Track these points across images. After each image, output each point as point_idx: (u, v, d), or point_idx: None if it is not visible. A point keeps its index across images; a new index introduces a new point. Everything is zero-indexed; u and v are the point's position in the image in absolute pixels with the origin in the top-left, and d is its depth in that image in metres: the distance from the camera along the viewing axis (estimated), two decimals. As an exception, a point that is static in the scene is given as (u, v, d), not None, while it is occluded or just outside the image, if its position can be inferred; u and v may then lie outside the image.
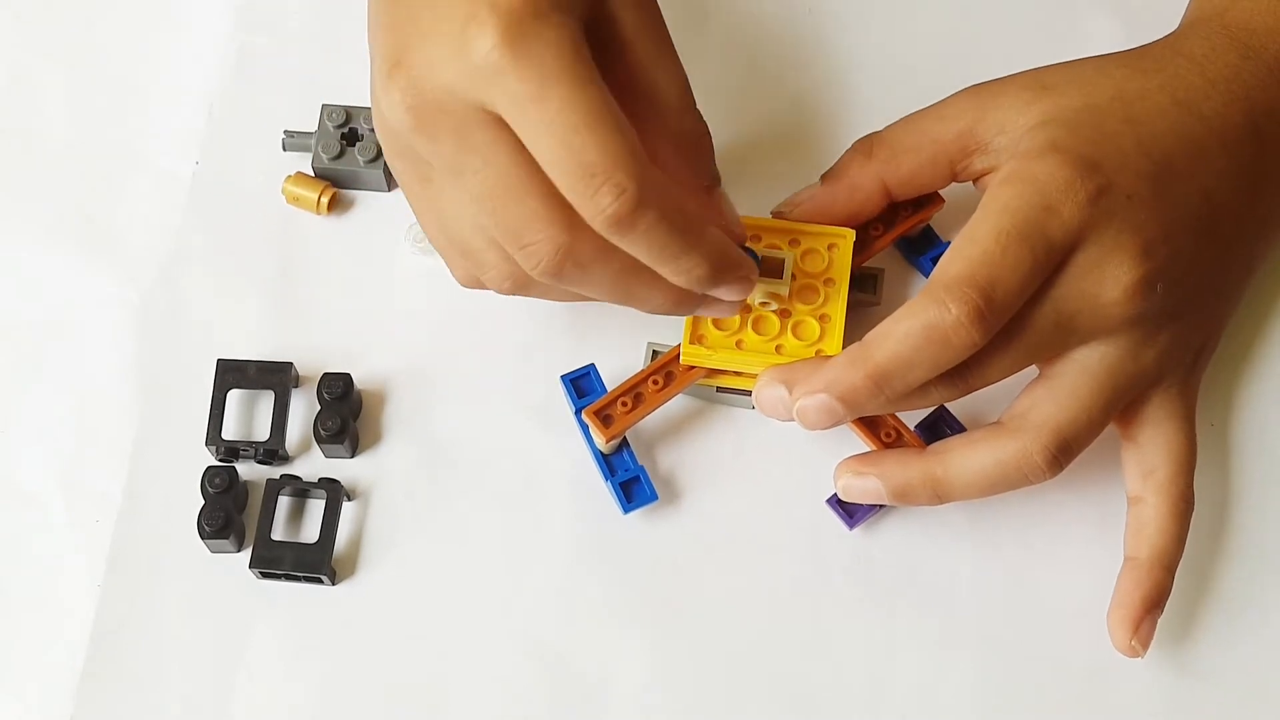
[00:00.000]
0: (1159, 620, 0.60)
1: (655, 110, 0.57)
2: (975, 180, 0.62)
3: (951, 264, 0.56)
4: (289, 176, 0.68)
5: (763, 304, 0.61)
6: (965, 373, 0.57)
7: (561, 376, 0.64)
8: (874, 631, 0.62)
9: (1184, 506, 0.61)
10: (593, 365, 0.64)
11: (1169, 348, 0.60)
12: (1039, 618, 0.62)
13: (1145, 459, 0.61)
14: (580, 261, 0.53)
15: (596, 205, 0.51)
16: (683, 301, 0.57)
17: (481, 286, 0.58)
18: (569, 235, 0.53)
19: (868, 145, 0.62)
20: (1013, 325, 0.57)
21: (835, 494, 0.63)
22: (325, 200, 0.68)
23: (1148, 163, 0.58)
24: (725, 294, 0.57)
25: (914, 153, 0.62)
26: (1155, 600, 0.60)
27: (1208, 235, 0.59)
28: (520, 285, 0.57)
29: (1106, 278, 0.57)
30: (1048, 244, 0.56)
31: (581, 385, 0.64)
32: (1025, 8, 0.71)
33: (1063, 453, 0.58)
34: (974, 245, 0.56)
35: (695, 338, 0.61)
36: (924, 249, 0.66)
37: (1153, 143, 0.59)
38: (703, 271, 0.55)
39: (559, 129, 0.51)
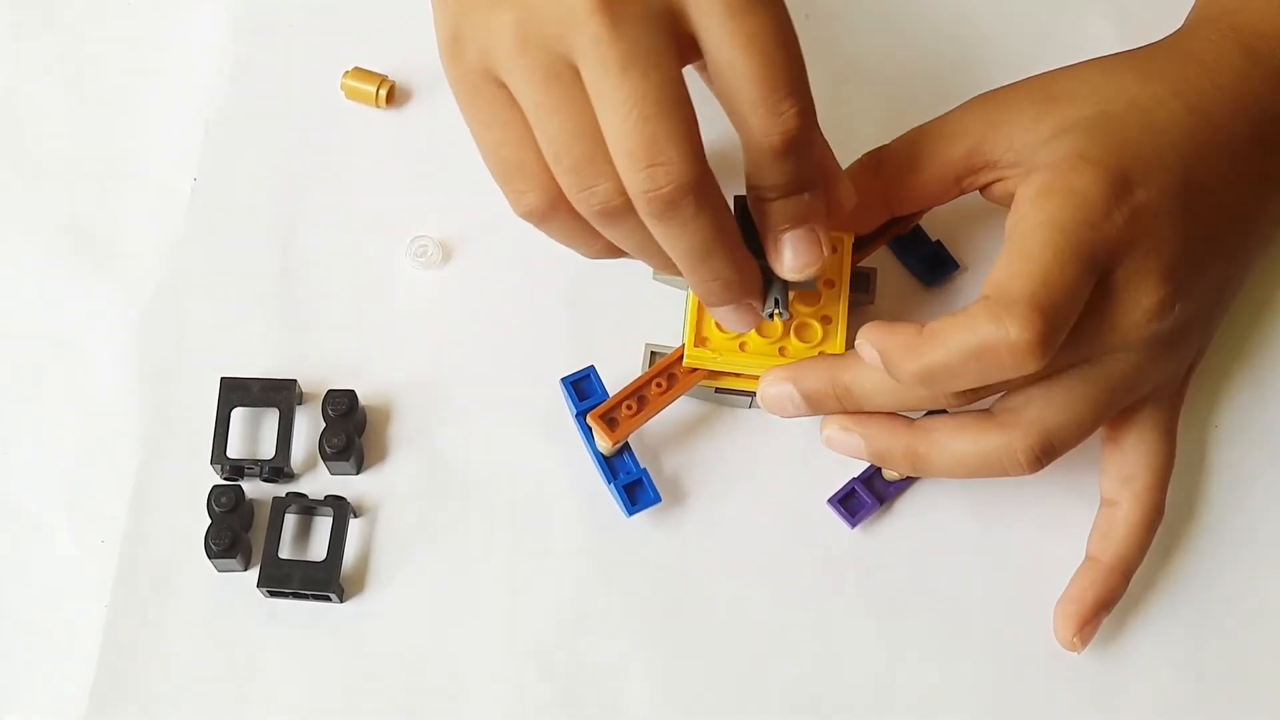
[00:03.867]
0: (1170, 629, 0.61)
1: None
2: (981, 190, 0.61)
3: (1011, 281, 0.55)
4: (347, 72, 0.69)
5: None
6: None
7: (561, 379, 0.64)
8: (879, 630, 0.63)
9: (1155, 517, 0.61)
10: (592, 367, 0.64)
11: (1170, 364, 0.60)
12: (1045, 619, 0.62)
13: (1126, 465, 0.61)
14: (699, 200, 0.53)
15: (779, 119, 0.53)
16: (731, 297, 0.57)
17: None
18: (702, 168, 0.52)
19: (875, 161, 0.62)
20: None
21: (836, 494, 0.63)
22: (384, 93, 0.68)
23: (1170, 176, 0.57)
24: (722, 316, 0.58)
25: (920, 172, 0.61)
26: (1107, 603, 0.61)
27: (1217, 250, 0.59)
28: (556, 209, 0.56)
29: (1128, 299, 0.56)
30: (1094, 264, 0.56)
31: (582, 388, 0.64)
32: (1025, 11, 0.71)
33: (1046, 454, 0.58)
34: (1032, 264, 0.55)
35: (699, 340, 0.61)
36: (913, 249, 0.67)
37: (1173, 153, 0.58)
38: (720, 284, 0.56)
39: (764, 41, 0.52)
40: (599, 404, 0.62)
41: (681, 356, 0.62)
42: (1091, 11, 0.71)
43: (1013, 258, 0.56)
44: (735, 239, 0.55)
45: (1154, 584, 0.63)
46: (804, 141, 0.54)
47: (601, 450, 0.63)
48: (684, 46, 0.53)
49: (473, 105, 0.56)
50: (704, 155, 0.53)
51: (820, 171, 0.57)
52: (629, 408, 0.62)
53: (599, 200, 0.54)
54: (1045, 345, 0.54)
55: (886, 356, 0.56)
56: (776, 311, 0.58)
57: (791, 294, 0.60)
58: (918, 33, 0.71)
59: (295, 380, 0.64)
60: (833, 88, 0.70)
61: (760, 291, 0.58)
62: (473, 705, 0.62)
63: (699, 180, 0.52)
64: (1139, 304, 0.57)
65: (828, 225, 0.57)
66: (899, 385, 0.58)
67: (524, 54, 0.53)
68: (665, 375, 0.62)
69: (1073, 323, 0.55)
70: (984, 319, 0.54)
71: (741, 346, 0.61)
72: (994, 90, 0.61)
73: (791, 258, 0.57)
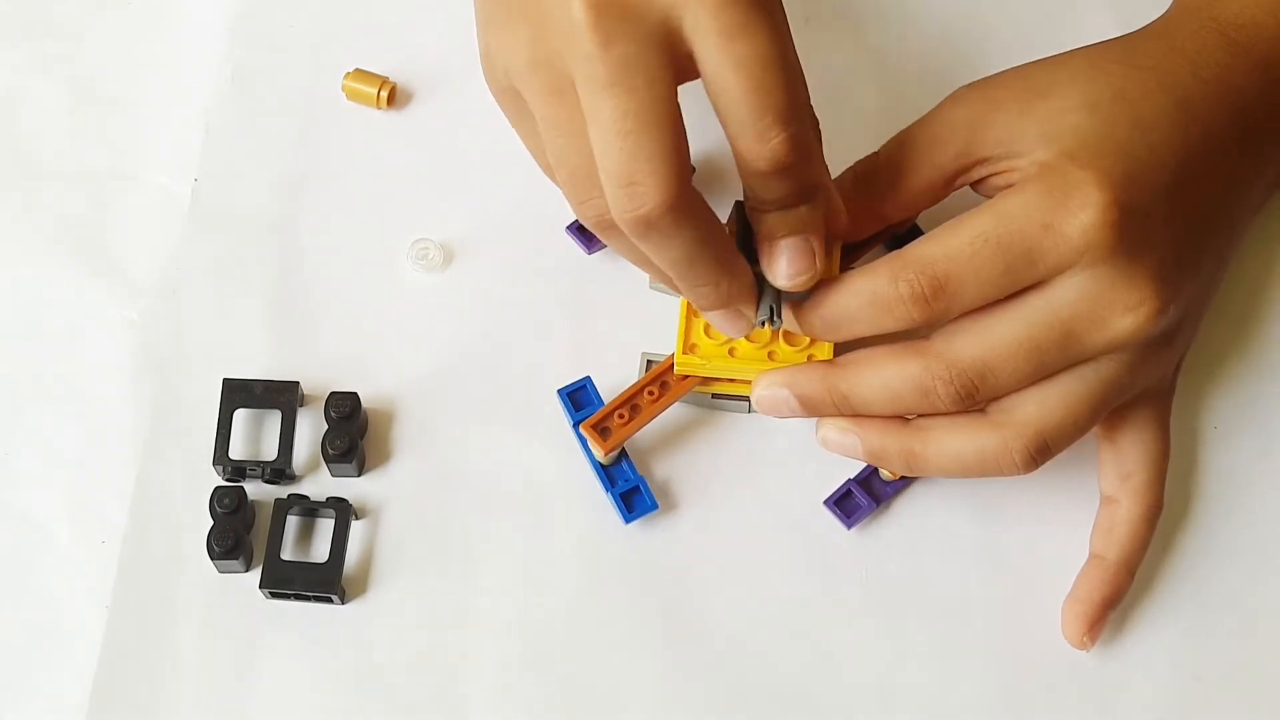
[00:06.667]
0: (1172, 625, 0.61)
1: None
2: (973, 186, 0.61)
3: (923, 242, 0.57)
4: (348, 73, 0.69)
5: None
6: (974, 391, 0.58)
7: (558, 391, 0.64)
8: (878, 631, 0.63)
9: (1156, 512, 0.62)
10: (588, 378, 0.64)
11: (1163, 362, 0.60)
12: (1044, 618, 0.63)
13: (1124, 462, 0.62)
14: (678, 219, 0.53)
15: (767, 145, 0.53)
16: (721, 303, 0.57)
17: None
18: (679, 189, 0.53)
19: (866, 172, 0.62)
20: (1019, 347, 0.57)
21: (832, 495, 0.63)
22: (385, 95, 0.69)
23: (1162, 174, 0.57)
24: (714, 321, 0.58)
25: (911, 180, 0.61)
26: (1114, 601, 0.61)
27: (1205, 246, 0.60)
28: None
29: (1118, 303, 0.56)
30: (1029, 260, 0.56)
31: (578, 399, 0.64)
32: (1024, 15, 0.71)
33: (1041, 453, 0.58)
34: (950, 236, 0.56)
35: (688, 347, 0.61)
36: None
37: (1164, 151, 0.58)
38: (707, 290, 0.56)
39: (755, 67, 0.52)
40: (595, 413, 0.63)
41: (674, 364, 0.62)
42: (1094, 13, 0.71)
43: (944, 225, 0.57)
44: (723, 247, 0.56)
45: (1154, 584, 0.63)
46: (793, 165, 0.54)
47: (597, 458, 0.63)
48: (684, 65, 0.53)
49: (510, 117, 0.58)
50: (686, 174, 0.53)
51: (819, 185, 0.57)
52: (621, 416, 0.62)
53: (593, 213, 0.55)
54: (926, 304, 0.56)
55: (799, 312, 0.59)
56: (769, 319, 0.58)
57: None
58: (918, 35, 0.71)
59: (298, 382, 0.65)
60: (833, 90, 0.70)
61: (753, 297, 0.58)
62: (473, 707, 0.62)
63: (675, 201, 0.52)
64: (1130, 309, 0.56)
65: (824, 237, 0.57)
66: (896, 390, 0.58)
67: (533, 71, 0.54)
68: (658, 383, 0.63)
69: (976, 300, 0.56)
70: (884, 271, 0.57)
71: (731, 352, 0.61)
72: (977, 84, 0.61)
73: (784, 266, 0.57)
